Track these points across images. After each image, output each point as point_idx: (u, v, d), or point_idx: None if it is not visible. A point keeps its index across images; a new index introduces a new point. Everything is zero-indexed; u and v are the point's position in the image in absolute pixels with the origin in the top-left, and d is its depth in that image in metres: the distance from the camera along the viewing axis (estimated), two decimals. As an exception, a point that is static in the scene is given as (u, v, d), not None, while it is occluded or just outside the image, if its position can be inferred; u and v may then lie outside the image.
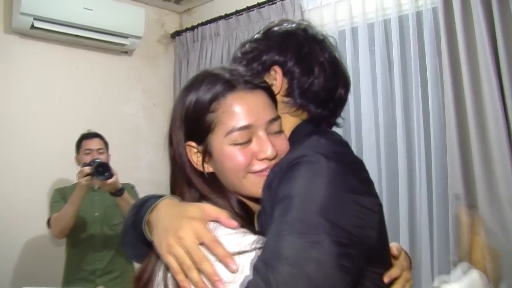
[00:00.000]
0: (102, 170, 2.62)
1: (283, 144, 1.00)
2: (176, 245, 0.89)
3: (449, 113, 2.44)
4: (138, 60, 3.87)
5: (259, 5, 3.42)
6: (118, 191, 2.70)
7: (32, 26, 3.18)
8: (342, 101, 1.15)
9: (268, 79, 1.08)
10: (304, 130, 1.07)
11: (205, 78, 1.00)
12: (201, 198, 1.00)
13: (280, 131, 1.02)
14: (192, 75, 3.53)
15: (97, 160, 2.66)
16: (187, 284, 0.86)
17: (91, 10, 3.33)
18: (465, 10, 2.41)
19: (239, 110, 0.95)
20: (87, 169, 2.60)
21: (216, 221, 0.91)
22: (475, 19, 2.38)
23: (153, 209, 1.00)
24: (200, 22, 3.87)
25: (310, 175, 0.87)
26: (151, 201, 1.05)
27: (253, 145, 0.97)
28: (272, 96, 1.03)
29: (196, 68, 3.78)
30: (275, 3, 3.31)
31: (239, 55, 1.18)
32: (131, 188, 2.94)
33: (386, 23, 2.85)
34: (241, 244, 0.86)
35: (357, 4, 2.97)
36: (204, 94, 0.97)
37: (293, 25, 1.17)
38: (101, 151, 2.83)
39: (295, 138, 1.04)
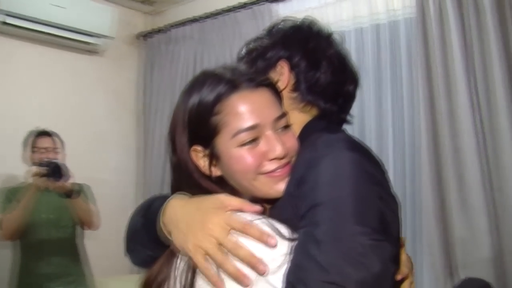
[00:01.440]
0: (59, 171, 2.48)
1: (292, 141, 0.97)
2: (205, 239, 0.85)
3: (422, 123, 2.44)
4: (107, 61, 3.77)
5: (233, 9, 3.35)
6: (72, 193, 2.59)
7: (4, 23, 3.13)
8: (351, 96, 1.13)
9: (274, 75, 1.06)
10: (317, 126, 1.05)
11: (206, 79, 0.96)
12: None
13: (288, 128, 0.98)
14: (162, 78, 3.43)
15: (54, 161, 2.54)
16: (218, 280, 0.83)
17: (64, 8, 3.27)
18: (440, 20, 2.44)
19: (244, 110, 0.92)
20: (43, 170, 2.47)
21: (238, 210, 0.88)
22: (451, 30, 2.40)
23: (165, 208, 0.96)
24: (169, 24, 3.78)
25: (337, 176, 0.85)
26: (158, 201, 1.01)
27: (262, 145, 0.93)
28: (276, 93, 0.99)
29: (166, 71, 3.69)
30: (250, 8, 3.26)
31: (244, 54, 1.16)
32: (86, 188, 2.82)
33: (361, 32, 2.84)
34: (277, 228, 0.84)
35: (332, 12, 2.94)
36: (207, 96, 0.93)
37: (297, 22, 1.15)
38: (57, 150, 2.71)
39: (307, 134, 1.01)
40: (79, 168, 2.64)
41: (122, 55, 3.89)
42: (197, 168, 0.97)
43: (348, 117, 1.14)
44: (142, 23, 4.05)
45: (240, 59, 1.18)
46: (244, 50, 1.18)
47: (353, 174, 0.85)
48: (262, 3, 3.19)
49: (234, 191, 0.96)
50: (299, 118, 1.05)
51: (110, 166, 3.69)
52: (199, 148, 0.97)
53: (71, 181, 2.53)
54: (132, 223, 1.09)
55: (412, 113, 2.62)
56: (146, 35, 3.94)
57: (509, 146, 2.21)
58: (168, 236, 0.93)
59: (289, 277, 0.79)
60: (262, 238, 0.81)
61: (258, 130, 0.92)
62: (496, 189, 2.24)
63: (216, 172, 0.97)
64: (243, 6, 3.30)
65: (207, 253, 0.84)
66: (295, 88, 1.06)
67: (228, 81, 0.93)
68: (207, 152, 0.96)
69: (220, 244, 0.84)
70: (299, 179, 0.89)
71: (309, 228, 0.81)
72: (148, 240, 1.00)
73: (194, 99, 0.95)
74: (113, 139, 3.75)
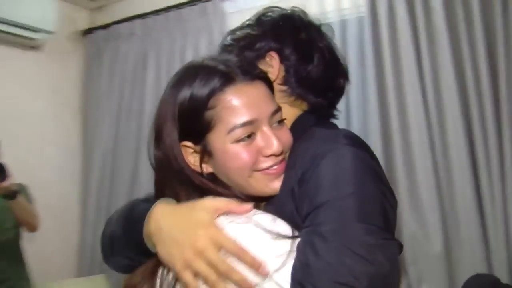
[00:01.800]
0: (3, 172, 2.37)
1: (286, 137, 0.94)
2: (196, 260, 0.81)
3: (373, 121, 2.47)
4: (47, 57, 3.61)
5: (179, 5, 3.30)
6: (12, 194, 2.48)
7: None
8: (342, 91, 1.11)
9: (262, 66, 1.00)
10: (308, 121, 1.02)
11: (198, 71, 0.91)
12: (202, 196, 0.90)
13: (282, 123, 0.94)
14: (105, 75, 3.31)
15: (-3, 161, 2.40)
16: None
17: (0, -1, 3.07)
18: (391, 19, 2.48)
19: (241, 105, 0.88)
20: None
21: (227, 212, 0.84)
22: (401, 28, 2.45)
23: (149, 217, 0.90)
24: (113, 20, 3.67)
25: (342, 174, 0.83)
26: (140, 207, 0.96)
27: (258, 141, 0.90)
28: (270, 86, 0.96)
29: (109, 68, 3.59)
30: (196, 4, 3.21)
31: (229, 42, 1.10)
32: (23, 188, 2.69)
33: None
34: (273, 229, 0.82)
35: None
36: (200, 89, 0.88)
37: (287, 11, 1.10)
38: None
39: (298, 130, 0.98)
40: (18, 168, 2.53)
41: (64, 51, 3.75)
42: (187, 164, 0.93)
43: (336, 112, 1.11)
44: (85, 19, 3.92)
45: (224, 48, 1.12)
46: (228, 39, 1.12)
47: (358, 171, 0.84)
48: (209, 0, 3.15)
49: (226, 188, 0.93)
50: (289, 112, 1.01)
51: (51, 166, 3.55)
52: (189, 143, 0.92)
53: (10, 181, 2.42)
54: (111, 229, 1.03)
55: (363, 111, 2.64)
56: (89, 32, 3.81)
57: (458, 143, 2.29)
58: (153, 248, 0.89)
59: (297, 276, 0.77)
60: (254, 266, 0.78)
61: (255, 126, 0.89)
62: (445, 185, 2.31)
63: (207, 168, 0.93)
64: (189, 2, 3.25)
65: (198, 273, 0.81)
66: (285, 81, 1.03)
67: (223, 74, 0.89)
68: (198, 148, 0.92)
69: (211, 265, 0.80)
70: (302, 176, 0.87)
71: (316, 227, 0.80)
72: (129, 249, 0.95)
73: (185, 93, 0.90)
74: (55, 139, 3.61)
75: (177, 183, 0.94)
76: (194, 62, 0.96)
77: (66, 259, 3.55)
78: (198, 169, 0.93)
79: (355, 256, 0.76)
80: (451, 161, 2.31)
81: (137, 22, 3.50)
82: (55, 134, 3.62)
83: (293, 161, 0.91)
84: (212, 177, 0.94)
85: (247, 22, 1.12)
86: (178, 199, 0.93)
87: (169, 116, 0.92)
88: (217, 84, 0.88)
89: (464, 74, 2.30)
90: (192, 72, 0.92)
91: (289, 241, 0.81)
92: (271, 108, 0.91)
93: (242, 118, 0.88)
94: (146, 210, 0.92)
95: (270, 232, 0.81)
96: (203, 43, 3.16)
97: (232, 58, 0.96)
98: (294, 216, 0.86)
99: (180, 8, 3.29)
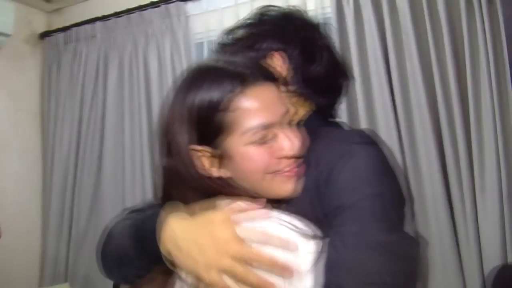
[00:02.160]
0: None
1: (299, 138, 0.93)
2: (220, 258, 0.80)
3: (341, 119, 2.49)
4: (4, 61, 3.49)
5: (141, 7, 3.24)
6: None
7: None
8: (343, 90, 1.11)
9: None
10: (317, 121, 1.02)
11: (207, 73, 0.90)
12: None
13: (293, 124, 0.94)
14: (65, 78, 3.21)
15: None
16: None
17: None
18: (357, 20, 2.51)
19: (255, 107, 0.87)
20: None
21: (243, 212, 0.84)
22: (367, 29, 2.49)
23: (163, 229, 0.88)
24: (72, 22, 3.58)
25: (365, 174, 0.85)
26: (147, 214, 0.95)
27: (274, 143, 0.89)
28: (279, 87, 0.94)
29: (69, 71, 3.50)
30: (158, 6, 3.17)
31: (229, 42, 1.08)
32: None
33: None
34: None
35: (245, 11, 2.93)
36: (212, 91, 0.87)
37: (286, 10, 1.09)
38: None
39: (309, 130, 0.96)
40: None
41: (22, 54, 3.62)
42: (200, 169, 0.90)
43: (337, 111, 1.12)
44: (43, 21, 3.80)
45: (223, 47, 1.09)
46: (227, 38, 1.10)
47: (381, 172, 0.86)
48: (172, 1, 3.12)
49: (242, 191, 0.91)
50: (296, 113, 1.00)
51: (9, 173, 3.43)
52: (202, 147, 0.90)
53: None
54: (116, 241, 0.99)
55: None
56: (47, 34, 3.70)
57: (427, 143, 2.33)
58: (168, 257, 0.86)
59: (326, 277, 0.78)
60: (282, 245, 0.78)
61: (269, 127, 0.88)
62: (414, 183, 2.35)
63: (220, 172, 0.91)
64: (151, 4, 3.20)
65: (223, 271, 0.79)
66: (292, 81, 1.01)
67: (235, 76, 0.87)
68: (212, 151, 0.90)
69: (237, 258, 0.79)
70: (328, 176, 0.87)
71: (341, 228, 0.81)
72: (139, 260, 0.92)
73: (197, 96, 0.88)
74: (13, 145, 3.50)
75: (188, 187, 0.91)
76: (203, 65, 0.95)
77: (28, 268, 3.44)
78: (211, 173, 0.91)
79: (379, 256, 0.77)
80: (420, 162, 2.35)
81: (98, 24, 3.41)
82: (13, 140, 3.50)
83: (315, 161, 0.91)
84: (225, 181, 0.92)
85: (247, 21, 1.09)
86: (187, 203, 0.90)
87: (178, 121, 0.90)
88: (229, 86, 0.86)
89: (432, 74, 2.35)
90: (202, 75, 0.91)
91: (317, 241, 0.81)
92: (284, 109, 0.91)
93: (258, 120, 0.87)
94: (154, 218, 0.90)
95: (297, 230, 0.80)
96: (167, 45, 3.12)
97: (239, 58, 0.94)
98: (317, 215, 0.86)
99: (142, 10, 3.23)
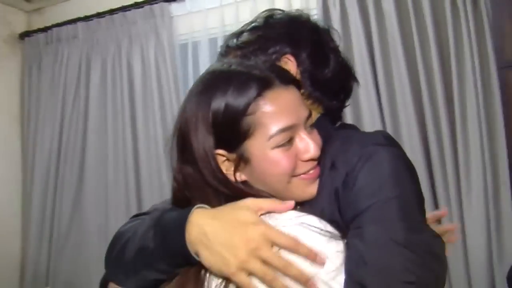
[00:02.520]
0: None
1: (319, 140, 0.94)
2: (250, 260, 0.80)
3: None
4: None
5: (124, 8, 3.20)
6: None
7: None
8: (351, 92, 1.12)
9: None
10: (327, 124, 1.03)
11: (233, 77, 0.89)
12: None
13: (312, 127, 0.95)
14: (46, 79, 3.16)
15: None
16: None
17: None
18: (344, 22, 2.53)
19: (280, 110, 0.87)
20: None
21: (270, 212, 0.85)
22: (353, 31, 2.51)
23: (189, 224, 0.87)
24: (53, 23, 3.53)
25: (385, 174, 0.85)
26: (169, 216, 0.91)
27: (296, 146, 0.89)
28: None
29: (50, 72, 3.44)
30: (142, 7, 3.14)
31: (236, 45, 1.07)
32: None
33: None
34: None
35: (230, 12, 2.92)
36: (238, 96, 0.86)
37: (293, 13, 1.10)
38: None
39: (321, 132, 0.96)
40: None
41: (1, 55, 3.56)
42: (222, 172, 0.90)
43: (342, 113, 1.13)
44: (23, 21, 3.74)
45: (228, 51, 1.09)
46: (234, 42, 1.09)
47: (401, 172, 0.87)
48: (156, 2, 3.09)
49: (262, 194, 0.90)
50: None
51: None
52: (222, 151, 0.90)
53: None
54: (131, 246, 0.97)
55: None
56: (27, 35, 3.64)
57: (411, 143, 2.36)
58: (196, 255, 0.85)
59: (349, 276, 0.79)
60: (310, 256, 0.78)
61: (293, 131, 0.88)
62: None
63: (240, 176, 0.91)
64: (135, 5, 3.16)
65: (253, 273, 0.80)
66: (303, 84, 1.01)
67: (259, 79, 0.87)
68: (232, 155, 0.89)
69: (267, 262, 0.80)
70: (347, 177, 0.87)
71: (365, 228, 0.81)
72: (162, 261, 0.90)
73: (220, 100, 0.87)
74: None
75: (212, 191, 0.91)
76: (222, 68, 0.93)
77: (8, 272, 3.37)
78: (231, 177, 0.91)
79: (404, 254, 0.78)
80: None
81: (80, 24, 3.37)
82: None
83: (331, 162, 0.92)
84: (246, 184, 0.92)
85: (253, 25, 1.10)
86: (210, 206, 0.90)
87: (205, 125, 0.89)
88: (255, 90, 0.86)
89: (418, 77, 2.37)
90: (224, 79, 0.89)
91: (340, 241, 0.82)
92: (306, 112, 0.91)
93: (283, 123, 0.87)
94: (180, 218, 0.88)
95: (322, 232, 0.81)
96: (150, 46, 3.09)
97: (258, 62, 0.94)
98: (335, 217, 0.87)
99: (126, 11, 3.19)
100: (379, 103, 2.45)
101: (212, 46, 2.97)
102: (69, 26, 3.42)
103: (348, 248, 0.82)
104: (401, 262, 0.78)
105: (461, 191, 2.26)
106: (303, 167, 0.90)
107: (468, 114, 2.29)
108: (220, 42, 2.92)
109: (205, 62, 2.96)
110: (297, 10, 1.14)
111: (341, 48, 2.30)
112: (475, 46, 2.24)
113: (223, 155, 0.90)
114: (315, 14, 2.67)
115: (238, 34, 1.11)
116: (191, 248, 0.86)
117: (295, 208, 0.88)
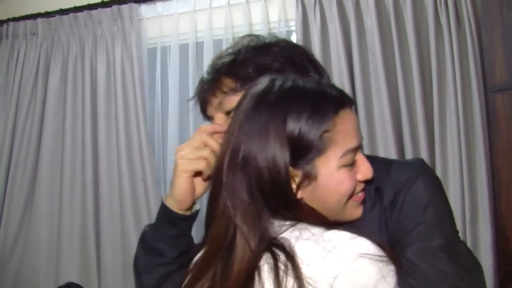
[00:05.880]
0: None
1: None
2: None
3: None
4: None
5: (89, 6, 3.03)
6: None
7: None
8: None
9: None
10: None
11: (306, 94, 0.90)
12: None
13: None
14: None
15: None
16: None
17: None
18: (324, 35, 2.46)
19: (352, 129, 0.90)
20: None
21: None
22: (333, 45, 2.46)
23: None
24: (9, 16, 3.30)
25: (434, 194, 0.96)
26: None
27: (356, 167, 0.92)
28: None
29: (4, 69, 3.20)
30: (110, 6, 2.97)
31: (243, 71, 1.08)
32: None
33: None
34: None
35: (203, 17, 2.81)
36: (315, 114, 0.87)
37: (280, 38, 1.17)
38: None
39: None
40: None
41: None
42: (291, 188, 0.88)
43: None
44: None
45: (229, 73, 1.09)
46: (235, 67, 1.08)
47: (443, 192, 0.99)
48: (125, 3, 2.93)
49: (317, 213, 0.91)
50: None
51: None
52: (293, 169, 0.88)
53: None
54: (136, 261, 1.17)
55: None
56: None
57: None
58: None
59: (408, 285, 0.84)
60: None
61: (356, 151, 0.91)
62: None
63: (301, 194, 0.90)
64: (101, 4, 3.00)
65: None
66: None
67: (335, 98, 0.90)
68: (296, 172, 0.88)
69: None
70: (395, 197, 0.95)
71: (426, 243, 0.89)
72: (161, 241, 1.14)
73: (297, 117, 0.86)
74: None
75: (288, 211, 0.89)
76: (295, 84, 0.92)
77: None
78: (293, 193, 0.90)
79: (461, 265, 0.88)
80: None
81: (39, 20, 3.15)
82: None
83: (375, 187, 0.98)
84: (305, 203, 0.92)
85: (247, 51, 1.10)
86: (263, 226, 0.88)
87: (280, 143, 0.86)
88: (332, 110, 0.88)
89: (397, 94, 2.35)
90: (300, 96, 0.89)
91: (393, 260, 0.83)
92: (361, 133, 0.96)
93: (353, 143, 0.90)
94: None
95: (379, 258, 0.82)
96: (117, 48, 2.92)
97: (324, 81, 1.01)
98: (382, 234, 0.95)
99: (91, 9, 3.02)
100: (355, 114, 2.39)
101: (182, 52, 2.85)
102: (28, 22, 3.20)
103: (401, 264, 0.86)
104: (453, 269, 0.86)
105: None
106: (357, 188, 0.93)
107: (448, 136, 2.27)
108: (191, 48, 2.82)
109: (175, 68, 2.85)
110: (272, 33, 1.24)
111: (320, 61, 2.28)
112: (457, 65, 2.23)
113: (296, 172, 0.89)
114: (293, 25, 2.61)
115: (232, 60, 1.10)
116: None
117: (339, 229, 0.87)
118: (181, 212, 1.08)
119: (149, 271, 1.10)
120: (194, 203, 1.11)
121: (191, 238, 1.14)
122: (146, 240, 1.13)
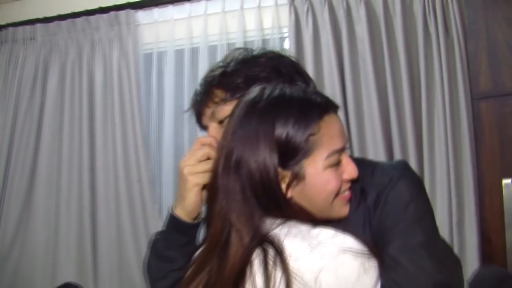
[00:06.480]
0: None
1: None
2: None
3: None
4: None
5: (87, 12, 3.08)
6: None
7: None
8: None
9: None
10: None
11: (292, 101, 0.98)
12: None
13: None
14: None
15: None
16: None
17: None
18: (316, 42, 2.51)
19: (336, 133, 0.98)
20: None
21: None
22: (324, 52, 2.50)
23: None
24: (9, 21, 3.33)
25: (417, 193, 1.02)
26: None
27: (342, 167, 0.99)
28: None
29: (3, 74, 3.24)
30: (107, 12, 3.03)
31: (236, 82, 1.15)
32: None
33: (230, 47, 2.77)
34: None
35: (198, 23, 2.87)
36: (301, 120, 0.95)
37: (267, 50, 1.24)
38: None
39: None
40: None
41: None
42: (281, 189, 0.96)
43: None
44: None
45: (220, 84, 1.16)
46: (225, 79, 1.16)
47: (424, 193, 1.04)
48: (122, 9, 2.98)
49: (306, 211, 0.98)
50: None
51: None
52: (282, 170, 0.96)
53: None
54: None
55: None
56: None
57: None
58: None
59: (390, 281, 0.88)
60: None
61: (341, 152, 0.99)
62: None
63: (291, 193, 0.97)
64: (99, 10, 3.05)
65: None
66: None
67: (320, 104, 0.98)
68: (285, 173, 0.96)
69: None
70: (378, 197, 1.01)
71: (408, 241, 0.93)
72: (171, 249, 1.22)
73: (285, 121, 0.94)
74: None
75: (279, 211, 0.96)
76: (282, 92, 1.00)
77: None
78: (283, 193, 0.97)
79: (442, 261, 0.93)
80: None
81: (38, 26, 3.20)
82: None
83: (360, 187, 1.03)
84: (295, 202, 0.99)
85: (236, 65, 1.18)
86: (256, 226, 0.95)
87: (263, 144, 0.94)
88: (318, 115, 0.96)
89: (387, 101, 2.40)
90: (287, 102, 0.97)
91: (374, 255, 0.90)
92: (346, 135, 1.03)
93: (338, 145, 0.97)
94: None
95: (362, 252, 0.88)
96: (114, 53, 2.98)
97: (310, 89, 1.09)
98: (366, 232, 1.00)
99: (89, 15, 3.07)
100: (347, 126, 2.44)
101: (178, 58, 2.91)
102: (27, 27, 3.24)
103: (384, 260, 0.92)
104: (432, 265, 0.90)
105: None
106: (344, 187, 1.00)
107: (436, 141, 2.33)
108: (187, 53, 2.87)
109: (170, 73, 2.90)
110: (263, 48, 1.25)
111: (312, 68, 2.33)
112: (445, 73, 2.29)
113: (285, 174, 0.97)
114: (286, 32, 2.67)
115: (227, 72, 1.17)
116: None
117: (325, 226, 0.94)
118: (190, 221, 1.16)
119: (162, 277, 1.16)
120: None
121: (198, 242, 1.19)
122: (157, 249, 1.19)
